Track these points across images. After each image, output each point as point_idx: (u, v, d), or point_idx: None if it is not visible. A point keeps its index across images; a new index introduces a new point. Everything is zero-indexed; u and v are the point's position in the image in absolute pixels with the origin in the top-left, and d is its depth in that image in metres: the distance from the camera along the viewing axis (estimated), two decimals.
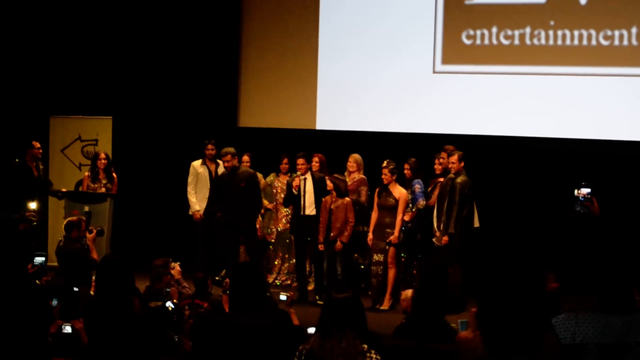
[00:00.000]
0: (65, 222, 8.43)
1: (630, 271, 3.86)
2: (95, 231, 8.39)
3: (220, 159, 9.74)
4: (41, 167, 10.27)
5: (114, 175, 10.12)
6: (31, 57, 11.67)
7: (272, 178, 10.47)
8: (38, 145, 10.18)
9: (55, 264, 8.42)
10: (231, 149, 9.60)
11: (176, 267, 7.86)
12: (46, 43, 11.70)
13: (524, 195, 10.28)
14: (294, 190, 9.49)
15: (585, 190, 7.33)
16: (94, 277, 6.59)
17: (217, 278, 9.46)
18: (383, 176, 9.14)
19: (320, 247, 9.32)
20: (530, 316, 3.27)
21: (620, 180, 9.88)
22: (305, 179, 9.48)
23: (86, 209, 9.65)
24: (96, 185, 10.02)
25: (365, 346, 4.17)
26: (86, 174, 10.26)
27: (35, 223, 9.78)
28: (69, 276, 7.67)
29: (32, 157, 10.13)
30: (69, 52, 11.70)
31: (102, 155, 10.16)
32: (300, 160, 9.51)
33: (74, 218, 8.51)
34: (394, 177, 9.13)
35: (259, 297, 4.45)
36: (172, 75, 11.63)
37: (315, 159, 10.02)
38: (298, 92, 11.23)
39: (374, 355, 4.16)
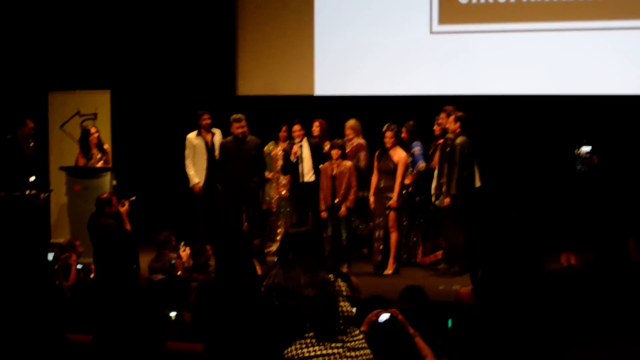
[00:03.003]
0: (95, 200, 8.33)
1: (627, 223, 3.87)
2: (127, 203, 8.32)
3: (233, 124, 9.48)
4: (31, 144, 10.17)
5: (105, 147, 10.07)
6: (29, 33, 11.60)
7: (271, 147, 10.37)
8: (32, 124, 10.11)
9: (60, 240, 8.43)
10: (243, 115, 9.49)
11: (187, 250, 7.79)
12: (43, 18, 11.62)
13: (525, 153, 10.24)
14: (291, 158, 9.46)
15: (585, 149, 7.33)
16: None
17: None
18: (386, 139, 9.08)
19: (323, 214, 9.31)
20: (521, 272, 3.28)
21: (622, 134, 9.84)
22: (301, 145, 9.42)
23: (114, 182, 9.64)
24: (91, 162, 9.95)
25: (331, 276, 4.16)
26: (78, 151, 10.17)
27: (47, 193, 9.82)
28: (100, 253, 7.64)
29: (23, 134, 10.07)
30: (65, 26, 11.62)
31: (93, 130, 10.09)
32: (297, 127, 9.41)
33: (105, 195, 8.43)
34: (396, 141, 9.10)
35: (245, 264, 4.45)
36: (169, 46, 11.57)
37: (316, 123, 9.99)
38: (295, 58, 11.17)
39: (341, 284, 4.15)
